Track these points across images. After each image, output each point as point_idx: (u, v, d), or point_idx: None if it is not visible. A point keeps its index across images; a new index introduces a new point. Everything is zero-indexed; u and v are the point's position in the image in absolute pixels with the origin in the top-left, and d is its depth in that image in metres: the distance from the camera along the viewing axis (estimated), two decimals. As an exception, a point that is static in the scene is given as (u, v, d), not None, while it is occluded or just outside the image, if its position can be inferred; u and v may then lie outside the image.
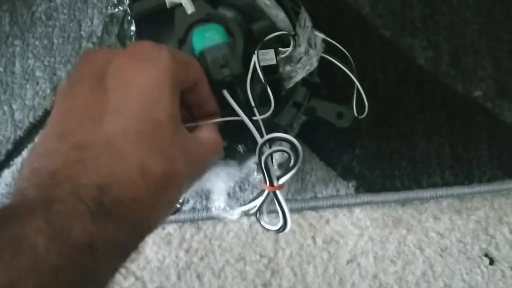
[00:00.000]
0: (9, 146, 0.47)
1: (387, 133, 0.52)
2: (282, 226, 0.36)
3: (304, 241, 0.50)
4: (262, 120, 0.36)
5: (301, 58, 0.39)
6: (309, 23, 0.39)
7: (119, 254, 0.21)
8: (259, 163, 0.34)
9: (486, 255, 0.52)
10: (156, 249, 0.48)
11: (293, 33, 0.38)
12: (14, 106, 0.47)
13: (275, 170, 0.38)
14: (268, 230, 0.37)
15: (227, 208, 0.42)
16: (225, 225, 0.50)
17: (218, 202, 0.43)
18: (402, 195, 0.51)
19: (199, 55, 0.33)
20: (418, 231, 0.52)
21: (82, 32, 0.48)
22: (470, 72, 0.54)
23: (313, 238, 0.50)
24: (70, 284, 0.18)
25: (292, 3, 0.41)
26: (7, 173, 0.46)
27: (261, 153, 0.34)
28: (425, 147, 0.52)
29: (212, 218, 0.48)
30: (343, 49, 0.43)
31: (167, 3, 0.36)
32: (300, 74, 0.39)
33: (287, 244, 0.50)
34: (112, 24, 0.41)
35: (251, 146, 0.39)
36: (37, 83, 0.48)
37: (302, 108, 0.41)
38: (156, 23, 0.39)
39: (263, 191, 0.37)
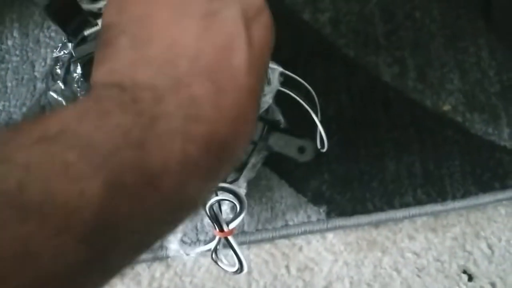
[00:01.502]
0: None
1: (355, 155, 0.51)
2: (238, 268, 0.35)
3: (277, 271, 0.49)
4: None
5: None
6: None
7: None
8: (205, 212, 0.33)
9: (465, 272, 0.51)
10: (126, 290, 0.47)
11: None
12: (-30, 154, 0.46)
13: (228, 213, 0.38)
14: (226, 271, 0.37)
15: (182, 252, 0.42)
16: (196, 260, 0.48)
17: (173, 245, 0.42)
18: (374, 217, 0.50)
19: None
20: (394, 252, 0.51)
21: (36, 73, 0.47)
22: (438, 86, 0.53)
23: (287, 267, 0.49)
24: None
25: None
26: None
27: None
28: (396, 167, 0.51)
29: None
30: (302, 81, 0.42)
31: None
32: None
33: (260, 275, 0.49)
34: (57, 68, 0.40)
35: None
36: (-7, 129, 0.46)
37: (259, 145, 0.40)
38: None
39: (215, 235, 0.36)
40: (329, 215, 0.49)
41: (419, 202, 0.50)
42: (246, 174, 0.43)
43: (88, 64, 0.38)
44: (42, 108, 0.48)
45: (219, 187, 0.31)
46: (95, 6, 0.38)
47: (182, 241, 0.42)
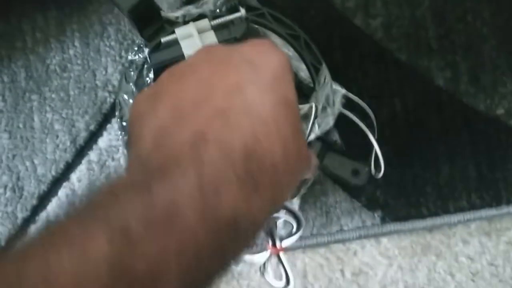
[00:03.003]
0: (34, 201, 0.47)
1: (409, 159, 0.51)
2: (285, 285, 0.36)
3: (332, 275, 0.50)
4: None
5: (317, 116, 0.38)
6: (329, 80, 0.38)
7: (252, 234, 0.19)
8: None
9: (519, 276, 0.51)
10: (186, 293, 0.48)
11: (311, 85, 0.38)
12: (36, 161, 0.47)
13: (280, 228, 0.38)
14: (272, 286, 0.37)
15: None
16: (252, 263, 0.49)
17: None
18: (429, 222, 0.50)
19: None
20: (448, 257, 0.51)
21: (98, 82, 0.49)
22: (491, 89, 0.53)
23: (342, 271, 0.50)
24: (209, 271, 0.17)
25: (313, 57, 0.40)
26: (34, 228, 0.47)
27: None
28: (449, 171, 0.51)
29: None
30: (364, 105, 0.42)
31: (185, 55, 0.36)
32: (315, 132, 0.38)
33: (315, 279, 0.50)
34: (131, 70, 0.41)
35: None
36: (57, 136, 0.48)
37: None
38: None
39: (266, 248, 0.37)
40: (383, 220, 0.50)
41: (473, 207, 0.50)
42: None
43: (160, 71, 0.39)
44: (104, 115, 0.49)
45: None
46: (173, 15, 0.39)
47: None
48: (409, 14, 0.53)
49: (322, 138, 0.40)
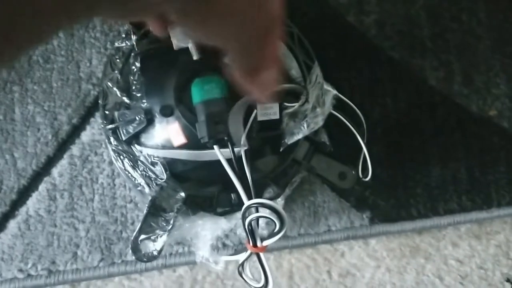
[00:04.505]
0: (13, 196, 0.46)
1: (400, 160, 0.50)
2: (263, 285, 0.35)
3: (319, 276, 0.49)
4: (257, 175, 0.34)
5: (306, 115, 0.37)
6: (320, 80, 0.37)
7: None
8: (243, 225, 0.32)
9: (508, 280, 0.50)
10: (169, 293, 0.47)
11: (303, 84, 0.37)
12: (16, 155, 0.46)
13: (263, 228, 0.37)
14: (249, 285, 0.36)
15: (210, 260, 0.41)
16: (237, 264, 0.48)
17: (202, 252, 0.42)
18: (418, 224, 0.49)
19: (196, 106, 0.33)
20: (437, 259, 0.50)
21: (81, 74, 0.47)
22: (484, 91, 0.52)
23: (329, 272, 0.49)
24: None
25: (306, 56, 0.39)
26: (13, 223, 0.45)
27: (245, 216, 0.32)
28: (441, 173, 0.50)
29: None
30: (355, 107, 0.41)
31: (174, 46, 0.35)
32: (303, 131, 0.37)
33: (302, 280, 0.49)
34: (117, 58, 0.39)
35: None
36: (38, 130, 0.46)
37: (302, 165, 0.39)
38: (162, 63, 0.38)
39: (246, 248, 0.36)
40: (372, 221, 0.49)
41: (463, 209, 0.50)
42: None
43: (147, 59, 0.38)
44: (87, 108, 0.47)
45: (261, 203, 0.31)
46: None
47: (213, 248, 0.41)
48: (404, 12, 0.52)
49: (311, 138, 0.39)
